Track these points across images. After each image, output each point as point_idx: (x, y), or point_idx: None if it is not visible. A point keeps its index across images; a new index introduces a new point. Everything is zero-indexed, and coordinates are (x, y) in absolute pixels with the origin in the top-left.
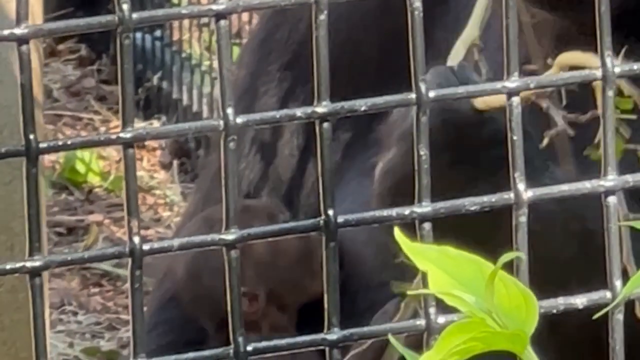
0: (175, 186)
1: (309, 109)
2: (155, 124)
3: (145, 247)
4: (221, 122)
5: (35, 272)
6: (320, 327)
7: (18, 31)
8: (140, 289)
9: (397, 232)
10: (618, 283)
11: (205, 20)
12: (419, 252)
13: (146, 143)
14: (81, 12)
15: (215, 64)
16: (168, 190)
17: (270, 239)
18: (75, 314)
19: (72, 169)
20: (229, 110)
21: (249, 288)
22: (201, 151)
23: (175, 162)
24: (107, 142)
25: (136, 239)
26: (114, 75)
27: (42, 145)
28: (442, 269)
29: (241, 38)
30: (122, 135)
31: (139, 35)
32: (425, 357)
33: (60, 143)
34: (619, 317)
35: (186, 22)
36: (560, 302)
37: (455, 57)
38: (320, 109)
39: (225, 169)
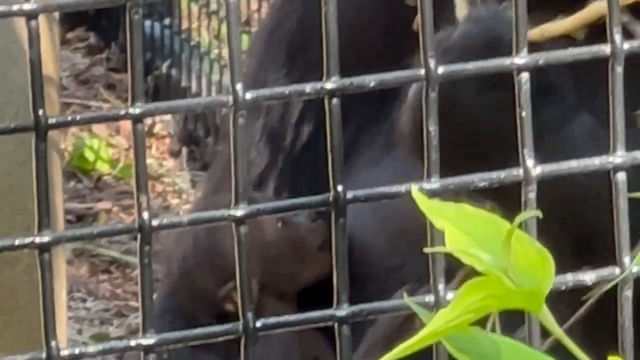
0: (184, 174)
1: (318, 85)
2: None
3: (154, 222)
4: (230, 98)
5: (44, 248)
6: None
7: (27, 6)
8: (150, 265)
9: (415, 191)
10: (627, 259)
11: (214, 8)
12: (436, 210)
13: (155, 131)
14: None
15: (224, 52)
16: (177, 178)
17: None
18: (84, 300)
19: (81, 157)
20: (238, 86)
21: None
22: (210, 139)
23: (184, 150)
24: (117, 118)
25: (145, 215)
26: (122, 63)
27: (51, 120)
28: (459, 228)
29: (250, 26)
30: (131, 110)
31: (148, 23)
32: (441, 315)
33: (69, 118)
34: (628, 293)
35: (195, 10)
36: (569, 279)
37: (459, 12)
38: (329, 85)
39: (234, 145)
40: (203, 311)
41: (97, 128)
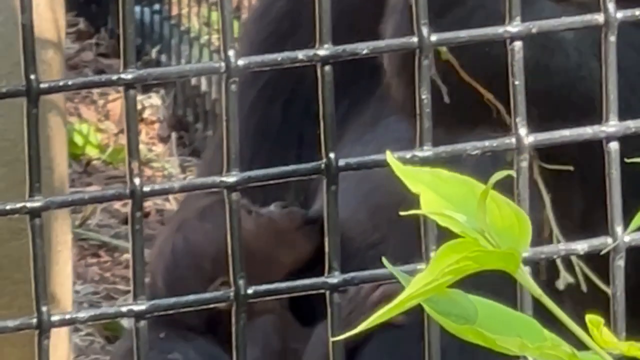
0: (173, 159)
1: (310, 52)
2: (154, 97)
3: (146, 188)
4: (223, 64)
5: (35, 213)
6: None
7: None
8: (141, 231)
9: (389, 155)
10: (619, 229)
11: None
12: (411, 174)
13: (145, 116)
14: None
15: (214, 38)
16: (166, 163)
17: None
18: (73, 284)
19: (70, 142)
20: (231, 53)
21: (226, 277)
22: (199, 124)
23: (174, 135)
24: (109, 83)
25: (137, 180)
26: (112, 48)
27: (43, 85)
28: (435, 191)
29: (240, 12)
30: (123, 76)
31: (138, 9)
32: (419, 278)
33: (61, 83)
34: (620, 263)
35: None
36: (561, 248)
37: None
38: (321, 52)
39: (226, 111)
40: (195, 317)
41: (86, 113)
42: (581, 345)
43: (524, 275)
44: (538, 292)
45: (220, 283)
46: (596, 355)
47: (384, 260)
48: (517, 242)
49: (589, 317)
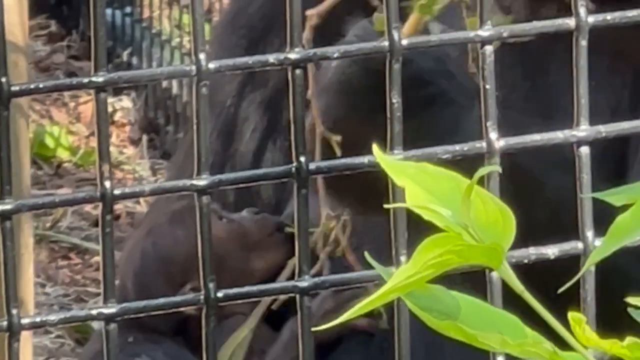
0: (144, 162)
1: (281, 55)
2: (125, 99)
3: (117, 191)
4: (193, 68)
5: (6, 215)
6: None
7: None
8: (111, 234)
9: (376, 150)
10: (590, 234)
11: None
12: (396, 168)
13: (116, 119)
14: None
15: (185, 41)
16: (137, 165)
17: None
18: (43, 286)
19: (42, 144)
20: (202, 56)
21: (195, 283)
22: (170, 127)
23: (145, 138)
24: (80, 86)
25: (107, 183)
26: (83, 51)
27: (14, 88)
28: (420, 185)
29: (211, 14)
30: (94, 79)
31: (109, 11)
32: (402, 271)
33: (32, 86)
34: (591, 268)
35: None
36: (531, 252)
37: None
38: (292, 55)
39: (197, 114)
40: (164, 321)
41: (58, 115)
42: (561, 343)
43: (507, 271)
44: (520, 288)
45: (189, 289)
46: (577, 353)
47: (367, 256)
48: (501, 238)
49: (572, 315)
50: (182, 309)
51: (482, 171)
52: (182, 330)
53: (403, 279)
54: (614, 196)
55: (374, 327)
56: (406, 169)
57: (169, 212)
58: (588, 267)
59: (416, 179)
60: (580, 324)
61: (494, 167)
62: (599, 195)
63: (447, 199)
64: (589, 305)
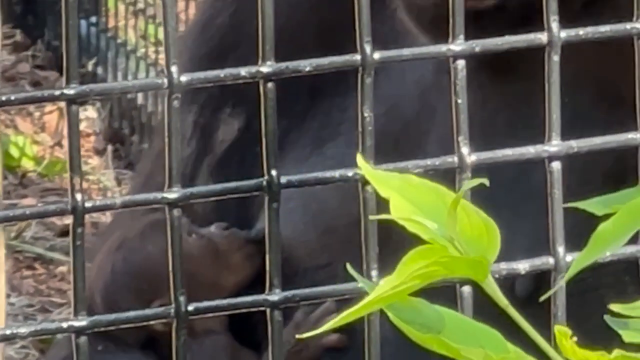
0: (109, 172)
1: (253, 69)
2: (90, 109)
3: (88, 204)
4: (165, 80)
5: None
6: (252, 316)
7: None
8: (82, 247)
9: (360, 159)
10: (561, 249)
11: (141, 6)
12: (382, 179)
13: (81, 129)
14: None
15: (151, 51)
16: (102, 176)
17: None
18: (7, 296)
19: (6, 153)
20: (174, 69)
21: (164, 299)
22: (135, 137)
23: (110, 148)
24: (51, 98)
25: (78, 196)
26: (48, 61)
27: None
28: (405, 197)
29: (177, 24)
30: (65, 91)
31: None
32: (387, 281)
33: (3, 98)
34: (562, 283)
35: (122, 8)
36: (502, 267)
37: None
38: (264, 69)
39: (168, 127)
40: (132, 336)
41: (22, 125)
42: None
43: (492, 285)
44: (504, 302)
45: (158, 305)
46: None
47: (349, 268)
48: (485, 251)
49: (557, 328)
50: (151, 324)
51: (468, 184)
52: (151, 345)
53: (388, 290)
54: (594, 205)
55: (344, 343)
56: (391, 180)
57: (141, 226)
58: (564, 281)
59: (401, 191)
60: (567, 337)
61: (481, 180)
62: (579, 205)
63: (432, 212)
64: (560, 322)
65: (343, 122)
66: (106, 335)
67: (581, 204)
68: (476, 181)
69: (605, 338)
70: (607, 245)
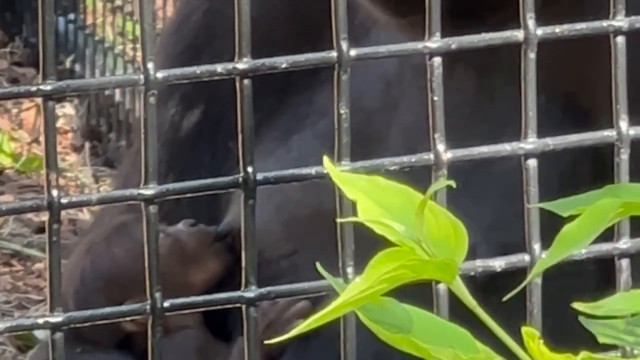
0: (86, 169)
1: (229, 65)
2: (68, 106)
3: (64, 200)
4: (142, 77)
5: None
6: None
7: None
8: (58, 243)
9: (326, 161)
10: (537, 246)
11: (118, 3)
12: (349, 181)
13: (58, 125)
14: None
15: (128, 48)
16: (79, 173)
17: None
18: None
19: None
20: (150, 65)
21: (135, 300)
22: (113, 134)
23: (87, 145)
24: (27, 94)
25: (54, 192)
26: (26, 57)
27: None
28: (372, 199)
29: (155, 21)
30: (42, 87)
31: None
32: (354, 285)
33: None
34: (537, 280)
35: (100, 5)
36: (478, 265)
37: None
38: (241, 65)
39: (145, 124)
40: (106, 338)
41: (0, 122)
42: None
43: (460, 287)
44: (473, 303)
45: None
46: None
47: (318, 267)
48: (453, 253)
49: (525, 329)
50: (126, 325)
51: (435, 186)
52: (126, 346)
53: (356, 293)
54: (560, 206)
55: (311, 310)
56: (357, 182)
57: (107, 230)
58: (533, 278)
59: (368, 192)
60: (534, 339)
61: (449, 182)
62: (545, 205)
63: (399, 213)
64: (535, 319)
65: (310, 114)
66: (83, 338)
67: (547, 205)
68: (443, 183)
69: (565, 327)
70: (572, 246)
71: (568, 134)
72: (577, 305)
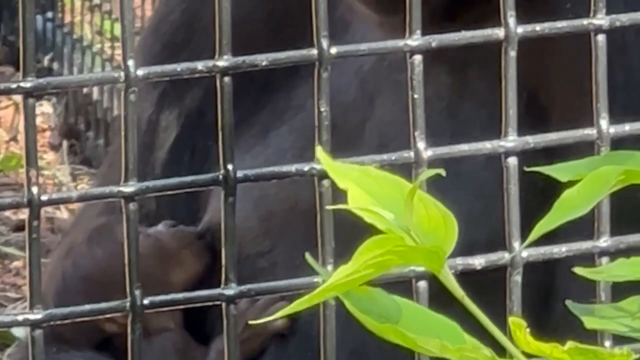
0: (64, 167)
1: (210, 63)
2: (45, 105)
3: (44, 197)
4: (122, 74)
5: None
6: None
7: None
8: (38, 240)
9: (319, 151)
10: (517, 244)
11: (96, 2)
12: (339, 170)
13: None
14: None
15: (107, 47)
16: (57, 171)
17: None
18: None
19: None
20: (130, 62)
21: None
22: (91, 133)
23: (65, 143)
24: (7, 92)
25: (34, 189)
26: (4, 55)
27: None
28: (363, 189)
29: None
30: (22, 84)
31: None
32: (342, 270)
33: None
34: (517, 278)
35: (78, 4)
36: (458, 262)
37: None
38: (221, 63)
39: (125, 121)
40: (86, 339)
41: None
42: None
43: (448, 276)
44: (460, 294)
45: None
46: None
47: (307, 257)
48: (442, 243)
49: (512, 319)
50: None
51: (424, 175)
52: (105, 347)
53: (343, 277)
54: (559, 171)
55: (289, 328)
56: (350, 172)
57: (87, 231)
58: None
59: (359, 182)
60: (521, 329)
61: (438, 171)
62: (543, 169)
63: (390, 203)
64: (515, 316)
65: (287, 110)
66: (60, 338)
67: (546, 169)
68: (432, 171)
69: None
70: (571, 212)
71: (528, 131)
72: (579, 270)
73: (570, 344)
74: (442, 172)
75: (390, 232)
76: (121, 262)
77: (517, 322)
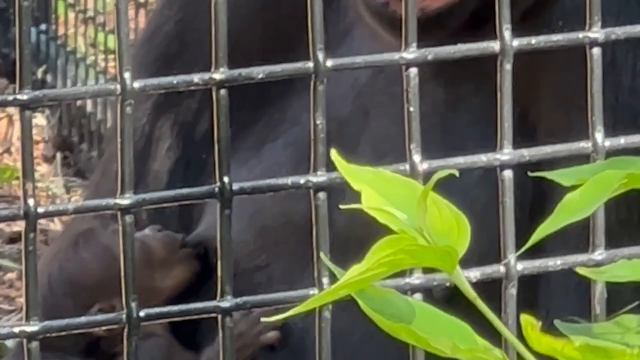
0: (58, 179)
1: (206, 75)
2: (39, 117)
3: (40, 209)
4: (118, 87)
5: None
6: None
7: None
8: (34, 252)
9: (334, 154)
10: (512, 258)
11: (90, 14)
12: (353, 172)
13: None
14: None
15: (100, 59)
16: (51, 183)
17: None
18: None
19: None
20: (126, 75)
21: (103, 303)
22: (84, 145)
23: (59, 155)
24: (4, 104)
25: (31, 201)
26: None
27: None
28: (376, 190)
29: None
30: (19, 97)
31: None
32: (355, 268)
33: None
34: (512, 291)
35: (72, 16)
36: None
37: None
38: (217, 75)
39: (121, 133)
40: (73, 344)
41: None
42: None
43: (460, 277)
44: (472, 295)
45: (97, 309)
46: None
47: (324, 260)
48: (455, 244)
49: (524, 317)
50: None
51: (436, 176)
52: (92, 351)
53: (356, 275)
54: (562, 176)
55: (279, 340)
56: (363, 174)
57: (73, 235)
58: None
59: (372, 184)
60: (533, 327)
61: (451, 171)
62: (547, 174)
63: (403, 205)
64: (510, 330)
65: (282, 123)
66: (45, 344)
67: (548, 174)
68: (445, 172)
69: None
70: (573, 215)
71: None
72: (581, 270)
73: (581, 339)
74: (456, 172)
75: (403, 232)
76: (107, 266)
77: (528, 320)
